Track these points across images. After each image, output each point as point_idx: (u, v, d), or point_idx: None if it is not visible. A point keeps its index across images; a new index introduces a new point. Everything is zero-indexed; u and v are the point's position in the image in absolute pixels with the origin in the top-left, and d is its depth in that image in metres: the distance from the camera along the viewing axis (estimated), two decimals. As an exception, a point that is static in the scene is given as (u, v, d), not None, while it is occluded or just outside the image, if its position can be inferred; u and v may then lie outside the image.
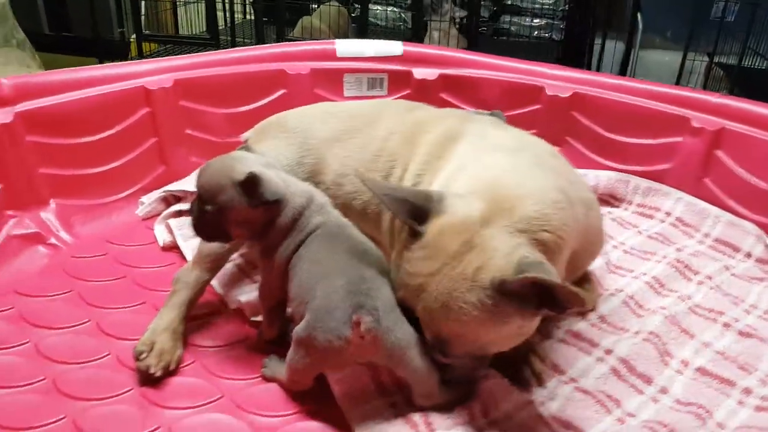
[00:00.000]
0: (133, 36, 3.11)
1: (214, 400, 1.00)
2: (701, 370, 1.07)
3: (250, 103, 1.67)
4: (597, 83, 1.65)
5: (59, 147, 1.44)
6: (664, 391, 1.03)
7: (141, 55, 3.19)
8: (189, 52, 3.38)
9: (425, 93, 1.74)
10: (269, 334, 1.09)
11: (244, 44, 3.37)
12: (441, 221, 0.85)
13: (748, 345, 1.12)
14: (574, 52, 3.47)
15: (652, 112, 1.60)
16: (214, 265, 1.17)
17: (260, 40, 3.26)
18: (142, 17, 3.15)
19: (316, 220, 0.98)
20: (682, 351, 1.11)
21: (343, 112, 1.31)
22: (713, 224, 1.49)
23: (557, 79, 1.69)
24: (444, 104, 1.72)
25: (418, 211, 0.85)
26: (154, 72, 1.53)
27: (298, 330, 0.91)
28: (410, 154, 1.16)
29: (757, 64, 3.10)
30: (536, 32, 3.76)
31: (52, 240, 1.38)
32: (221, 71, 1.60)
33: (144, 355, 1.02)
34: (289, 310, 1.04)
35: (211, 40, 3.14)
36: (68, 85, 1.45)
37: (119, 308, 1.21)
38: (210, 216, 0.96)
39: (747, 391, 1.02)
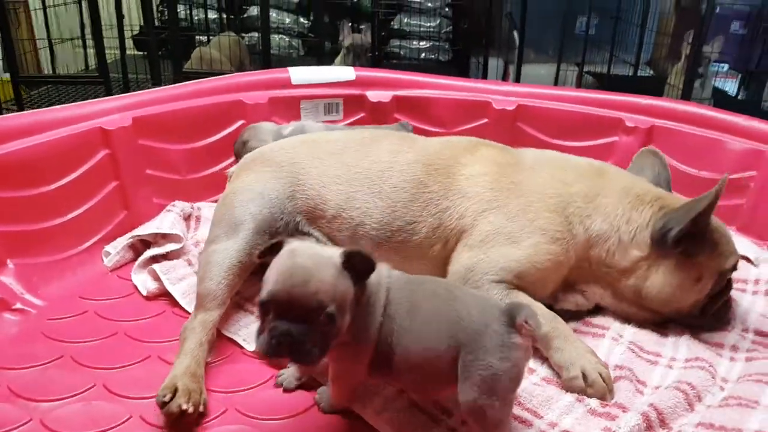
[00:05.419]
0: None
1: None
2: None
3: (210, 135, 1.61)
4: (538, 95, 1.78)
5: (12, 201, 1.30)
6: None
7: (20, 100, 2.92)
8: (75, 93, 3.21)
9: (380, 115, 1.78)
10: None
11: (138, 81, 3.22)
12: None
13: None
14: (459, 72, 3.69)
15: (590, 117, 1.75)
16: (216, 303, 1.13)
17: (156, 75, 3.12)
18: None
19: (385, 282, 0.89)
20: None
21: (329, 143, 1.29)
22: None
23: (502, 94, 1.79)
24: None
25: None
26: (109, 111, 1.42)
27: (469, 385, 0.80)
28: (451, 186, 1.20)
29: (622, 71, 3.49)
30: (423, 54, 3.92)
31: (18, 305, 1.24)
32: (179, 106, 1.52)
33: (169, 397, 0.95)
34: None
35: (100, 77, 2.95)
36: (15, 132, 1.32)
37: (124, 366, 1.11)
38: (318, 327, 0.76)
39: (672, 360, 1.11)
